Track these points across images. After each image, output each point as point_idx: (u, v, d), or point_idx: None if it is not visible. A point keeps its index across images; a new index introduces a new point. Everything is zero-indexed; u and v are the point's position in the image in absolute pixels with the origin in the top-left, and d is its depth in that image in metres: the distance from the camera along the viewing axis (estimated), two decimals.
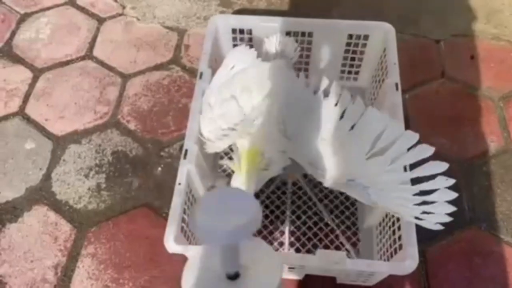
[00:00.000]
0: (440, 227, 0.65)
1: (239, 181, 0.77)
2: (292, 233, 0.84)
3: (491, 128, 0.98)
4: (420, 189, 0.67)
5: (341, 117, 0.74)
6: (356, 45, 0.94)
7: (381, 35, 0.90)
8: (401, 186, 0.68)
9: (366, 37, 0.92)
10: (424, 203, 0.66)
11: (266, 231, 0.84)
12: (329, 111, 0.75)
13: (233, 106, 0.77)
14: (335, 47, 0.95)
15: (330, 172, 0.71)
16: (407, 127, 0.78)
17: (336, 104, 0.75)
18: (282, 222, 0.85)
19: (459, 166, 0.93)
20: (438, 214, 0.65)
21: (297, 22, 0.93)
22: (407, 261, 0.64)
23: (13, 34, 1.17)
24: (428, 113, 1.01)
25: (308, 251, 0.82)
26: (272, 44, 0.90)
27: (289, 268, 0.73)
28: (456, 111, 1.01)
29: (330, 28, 0.92)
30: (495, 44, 1.12)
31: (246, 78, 0.80)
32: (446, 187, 0.66)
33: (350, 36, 0.92)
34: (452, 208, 0.65)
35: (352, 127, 0.73)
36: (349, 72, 0.99)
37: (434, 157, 0.94)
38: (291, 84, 0.79)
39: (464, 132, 0.98)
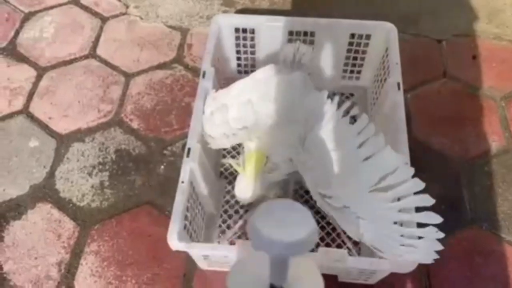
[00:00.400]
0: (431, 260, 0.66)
1: (244, 182, 0.78)
2: None
3: (493, 128, 0.98)
4: (410, 234, 0.68)
5: (360, 145, 0.77)
6: (358, 44, 0.94)
7: (383, 35, 0.90)
8: (394, 226, 0.69)
9: (368, 36, 0.92)
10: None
11: None
12: (350, 136, 0.77)
13: (248, 109, 0.79)
14: (337, 46, 0.95)
15: (330, 192, 0.73)
16: (408, 127, 0.78)
17: (359, 133, 0.77)
18: None
19: (460, 165, 0.93)
20: (423, 252, 0.66)
21: (300, 21, 0.93)
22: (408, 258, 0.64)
23: (17, 33, 1.18)
24: (429, 112, 1.01)
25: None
26: (291, 51, 0.90)
27: None
28: (458, 111, 1.01)
29: (332, 28, 0.92)
30: (497, 44, 1.13)
31: (266, 86, 0.82)
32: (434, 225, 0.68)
33: (352, 36, 0.93)
34: (439, 247, 0.66)
35: (366, 158, 0.75)
36: (351, 72, 1.00)
37: (436, 156, 0.95)
38: (314, 101, 0.81)
39: (466, 132, 0.98)
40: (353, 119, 0.81)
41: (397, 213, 0.70)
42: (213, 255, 0.72)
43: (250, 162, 0.78)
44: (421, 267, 0.80)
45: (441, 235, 0.67)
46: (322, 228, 0.85)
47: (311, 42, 0.94)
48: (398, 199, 0.71)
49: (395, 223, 0.69)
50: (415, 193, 0.70)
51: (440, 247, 0.65)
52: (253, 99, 0.80)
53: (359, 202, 0.71)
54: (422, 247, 0.66)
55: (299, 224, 0.38)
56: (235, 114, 0.80)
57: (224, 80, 0.98)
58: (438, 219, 0.68)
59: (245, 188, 0.80)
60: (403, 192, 0.70)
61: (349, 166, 0.75)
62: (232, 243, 0.83)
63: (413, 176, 0.71)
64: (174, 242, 0.67)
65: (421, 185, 0.70)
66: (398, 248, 0.66)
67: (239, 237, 0.84)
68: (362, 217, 0.70)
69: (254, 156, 0.79)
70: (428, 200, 0.69)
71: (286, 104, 0.80)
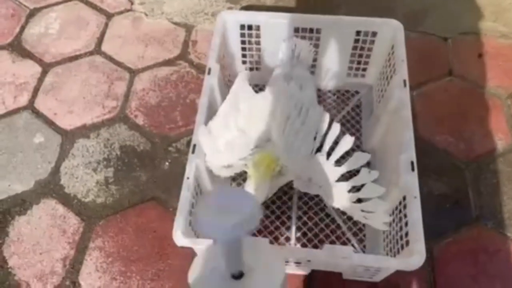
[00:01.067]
0: (386, 227, 0.72)
1: (255, 185, 0.78)
2: (298, 228, 0.85)
3: (499, 126, 0.98)
4: (352, 185, 0.77)
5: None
6: (364, 41, 0.94)
7: (390, 32, 0.90)
8: (336, 183, 0.77)
9: (374, 33, 0.92)
10: (359, 200, 0.76)
11: (273, 226, 0.85)
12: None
13: (241, 140, 0.79)
14: (343, 43, 0.95)
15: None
16: (413, 124, 0.78)
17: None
18: (289, 218, 0.86)
19: (466, 164, 0.93)
20: (379, 214, 0.73)
21: (305, 18, 0.93)
22: (414, 257, 0.64)
23: (22, 29, 1.18)
24: (435, 110, 1.01)
25: (315, 247, 0.82)
26: (289, 48, 0.90)
27: (296, 263, 0.74)
28: (464, 109, 1.01)
29: (338, 25, 0.92)
30: (503, 42, 1.12)
31: (252, 109, 0.82)
32: (372, 181, 0.76)
33: (358, 33, 0.92)
34: (386, 205, 0.72)
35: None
36: (357, 69, 0.99)
37: (441, 154, 0.95)
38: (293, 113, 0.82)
39: (471, 130, 0.98)
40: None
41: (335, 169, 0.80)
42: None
43: (262, 165, 0.78)
44: (426, 265, 0.80)
45: (381, 189, 0.77)
46: (326, 225, 0.85)
47: (317, 39, 0.94)
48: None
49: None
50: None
51: (386, 204, 0.75)
52: (242, 126, 0.80)
53: (310, 169, 0.79)
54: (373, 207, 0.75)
55: (239, 205, 0.38)
56: (228, 146, 0.79)
57: (229, 77, 0.98)
58: (367, 157, 0.80)
59: (257, 191, 0.77)
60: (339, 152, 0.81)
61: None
62: None
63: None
64: (179, 238, 0.67)
65: (350, 141, 0.81)
66: (355, 208, 0.75)
67: None
68: (319, 184, 0.78)
69: (266, 160, 0.78)
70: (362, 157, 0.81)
71: (274, 119, 0.81)
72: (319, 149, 0.81)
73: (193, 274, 0.42)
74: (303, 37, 0.94)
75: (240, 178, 0.89)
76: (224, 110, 0.83)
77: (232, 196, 0.40)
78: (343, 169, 0.78)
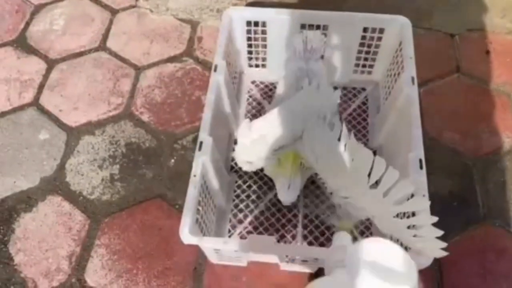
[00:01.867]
0: (444, 253, 0.65)
1: (284, 181, 0.79)
2: (305, 226, 0.84)
3: (506, 124, 0.97)
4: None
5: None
6: (371, 38, 0.93)
7: (397, 29, 0.89)
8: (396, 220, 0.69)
9: (381, 30, 0.91)
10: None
11: (279, 224, 0.84)
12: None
13: (262, 142, 0.80)
14: (350, 40, 0.94)
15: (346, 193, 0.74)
16: (421, 121, 0.77)
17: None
18: (295, 215, 0.85)
19: (473, 162, 0.92)
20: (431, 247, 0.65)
21: (312, 14, 0.92)
22: (422, 256, 0.64)
23: (27, 25, 1.18)
24: (442, 108, 1.00)
25: (321, 245, 0.82)
26: (300, 41, 0.89)
27: (302, 261, 0.73)
28: (471, 106, 1.00)
29: (345, 21, 0.91)
30: (511, 39, 1.11)
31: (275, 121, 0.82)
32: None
33: (365, 29, 0.92)
34: (443, 244, 0.65)
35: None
36: (364, 66, 0.99)
37: (448, 152, 0.94)
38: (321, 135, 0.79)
39: (479, 128, 0.97)
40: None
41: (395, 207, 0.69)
42: (224, 249, 0.72)
43: (288, 163, 0.79)
44: (433, 264, 0.79)
45: (440, 232, 0.65)
46: (327, 228, 0.84)
47: (323, 36, 0.93)
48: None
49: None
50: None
51: (443, 244, 0.65)
52: (265, 133, 0.81)
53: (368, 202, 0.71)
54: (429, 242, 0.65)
55: (402, 278, 0.37)
56: (251, 146, 0.81)
57: (235, 74, 0.97)
58: (427, 203, 0.68)
59: (291, 187, 0.80)
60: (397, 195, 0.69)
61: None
62: (243, 237, 0.83)
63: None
64: (186, 235, 0.67)
65: (411, 187, 0.68)
66: (410, 239, 0.66)
67: (249, 232, 0.84)
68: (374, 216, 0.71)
69: (291, 157, 0.79)
70: (422, 202, 0.69)
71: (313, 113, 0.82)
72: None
73: None
74: (304, 30, 0.93)
75: (246, 175, 0.89)
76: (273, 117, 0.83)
77: (396, 259, 0.40)
78: (401, 209, 0.69)
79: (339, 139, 0.73)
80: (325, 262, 0.69)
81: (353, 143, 0.72)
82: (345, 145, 0.72)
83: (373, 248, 0.40)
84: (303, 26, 0.92)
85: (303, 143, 0.78)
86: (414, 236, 0.66)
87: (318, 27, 0.92)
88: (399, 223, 0.68)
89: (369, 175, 0.68)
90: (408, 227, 0.67)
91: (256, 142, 0.80)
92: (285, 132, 0.80)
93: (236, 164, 0.91)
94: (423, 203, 0.68)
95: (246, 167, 0.84)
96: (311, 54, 0.88)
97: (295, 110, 0.82)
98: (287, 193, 0.80)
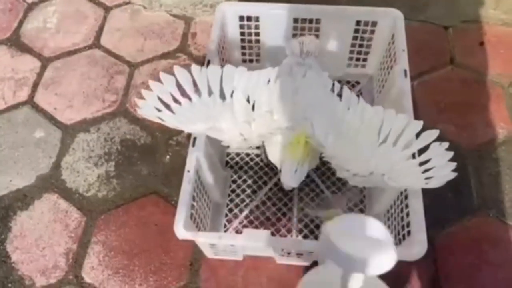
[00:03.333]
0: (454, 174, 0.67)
1: (292, 164, 0.77)
2: (300, 220, 0.84)
3: (500, 115, 0.97)
4: (421, 161, 0.71)
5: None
6: (364, 31, 0.93)
7: (390, 22, 0.89)
8: (407, 163, 0.71)
9: (374, 23, 0.91)
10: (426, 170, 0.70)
11: (274, 218, 0.85)
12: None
13: (267, 118, 0.78)
14: (343, 34, 0.94)
15: (354, 169, 0.74)
16: (415, 114, 0.78)
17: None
18: (290, 209, 0.86)
19: (468, 153, 0.93)
20: (441, 175, 0.68)
21: (305, 8, 0.92)
22: (416, 247, 0.64)
23: (20, 23, 1.18)
24: (437, 100, 1.00)
25: (316, 238, 0.82)
26: (297, 45, 0.89)
27: (298, 254, 0.74)
28: (465, 98, 1.00)
29: (338, 15, 0.91)
30: (505, 30, 1.11)
31: (280, 93, 0.80)
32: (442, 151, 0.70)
33: (358, 23, 0.92)
34: (452, 165, 0.68)
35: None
36: (357, 59, 0.99)
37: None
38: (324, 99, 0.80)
39: (473, 119, 0.97)
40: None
41: (409, 158, 0.72)
42: (219, 244, 0.72)
43: (300, 144, 0.77)
44: (429, 254, 0.80)
45: (450, 154, 0.70)
46: (322, 221, 0.84)
47: (316, 30, 0.93)
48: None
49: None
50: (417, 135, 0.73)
51: (453, 164, 0.68)
52: (272, 107, 0.79)
53: (378, 163, 0.72)
54: (439, 172, 0.68)
55: (376, 243, 0.37)
56: (256, 122, 0.78)
57: None
58: (436, 133, 0.72)
59: (296, 173, 0.77)
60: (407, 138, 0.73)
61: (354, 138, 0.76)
62: (238, 232, 0.83)
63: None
64: (180, 231, 0.67)
65: (418, 125, 0.73)
66: (419, 178, 0.68)
67: (245, 226, 0.84)
68: (385, 173, 0.71)
69: (302, 139, 0.77)
70: (432, 134, 0.72)
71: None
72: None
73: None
74: (303, 28, 0.93)
75: (241, 170, 0.90)
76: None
77: (368, 228, 0.39)
78: (412, 150, 0.72)
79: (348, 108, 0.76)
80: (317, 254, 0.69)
81: (362, 104, 0.76)
82: (354, 110, 0.74)
83: (345, 223, 0.40)
84: (296, 21, 0.92)
85: (311, 121, 0.77)
86: (426, 171, 0.68)
87: (311, 21, 0.92)
88: (412, 165, 0.70)
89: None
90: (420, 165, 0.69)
91: (261, 116, 0.77)
92: (290, 111, 0.78)
93: (231, 159, 0.92)
94: (432, 135, 0.71)
95: (236, 145, 0.80)
96: (307, 56, 0.88)
97: (298, 90, 0.81)
98: (292, 177, 0.78)
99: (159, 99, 0.76)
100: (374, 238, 0.38)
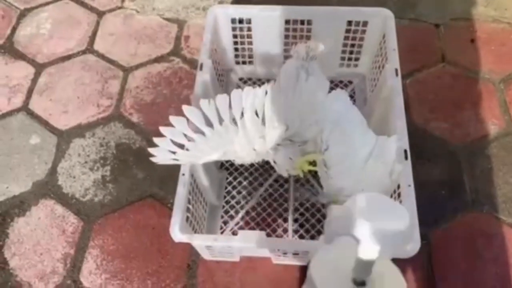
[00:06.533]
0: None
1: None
2: (295, 220, 0.85)
3: (492, 111, 0.98)
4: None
5: None
6: (356, 31, 0.94)
7: (380, 21, 0.90)
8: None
9: (365, 23, 0.92)
10: None
11: (270, 219, 0.85)
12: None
13: (279, 130, 0.79)
14: (334, 34, 0.95)
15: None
16: (408, 112, 0.78)
17: None
18: (286, 210, 0.86)
19: (460, 149, 0.94)
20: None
21: (296, 10, 0.93)
22: (410, 244, 0.65)
23: (13, 30, 1.18)
24: (429, 97, 1.01)
25: (312, 237, 0.83)
26: (303, 50, 0.90)
27: (294, 254, 0.75)
28: (457, 95, 1.01)
29: (329, 16, 0.92)
30: (495, 27, 1.12)
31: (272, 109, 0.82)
32: None
33: (349, 23, 0.92)
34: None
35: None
36: (349, 59, 1.00)
37: (436, 141, 0.95)
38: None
39: (465, 116, 0.98)
40: None
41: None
42: (215, 246, 0.73)
43: (305, 167, 0.81)
44: (423, 251, 0.81)
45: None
46: (323, 216, 0.85)
47: (308, 31, 0.94)
48: None
49: None
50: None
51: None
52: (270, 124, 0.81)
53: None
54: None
55: (396, 218, 0.38)
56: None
57: (222, 72, 0.98)
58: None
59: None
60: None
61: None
62: (234, 233, 0.84)
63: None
64: (176, 234, 0.67)
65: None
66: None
67: (241, 228, 0.85)
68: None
69: (308, 162, 0.81)
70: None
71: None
72: None
73: (316, 268, 0.42)
74: (295, 29, 0.94)
75: (236, 172, 0.90)
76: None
77: (387, 205, 0.40)
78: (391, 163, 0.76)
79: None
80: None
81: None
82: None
83: (364, 199, 0.40)
84: (287, 22, 0.93)
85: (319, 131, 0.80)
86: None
87: (302, 22, 0.93)
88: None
89: None
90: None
91: (274, 129, 0.79)
92: (296, 122, 0.80)
93: (226, 161, 0.92)
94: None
95: (250, 159, 0.82)
96: (311, 60, 0.89)
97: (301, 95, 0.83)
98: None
99: (172, 141, 0.77)
100: (393, 214, 0.39)
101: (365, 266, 0.40)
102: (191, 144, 0.76)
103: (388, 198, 0.42)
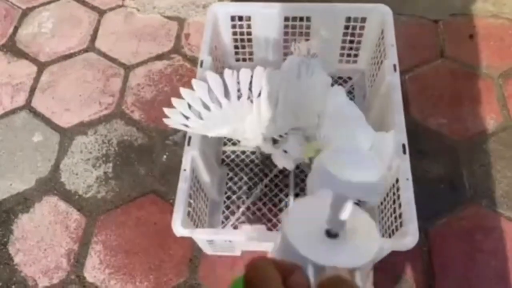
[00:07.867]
0: None
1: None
2: None
3: (491, 106, 0.99)
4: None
5: None
6: (354, 28, 0.94)
7: (379, 17, 0.91)
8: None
9: (363, 19, 0.92)
10: None
11: (271, 214, 0.86)
12: None
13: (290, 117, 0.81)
14: (333, 30, 0.95)
15: None
16: (407, 107, 0.79)
17: None
18: (286, 204, 0.87)
19: (459, 144, 0.94)
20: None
21: (295, 7, 0.93)
22: (408, 237, 0.66)
23: (15, 29, 1.19)
24: (427, 93, 1.02)
25: None
26: (304, 48, 0.91)
27: None
28: (456, 90, 1.02)
29: (328, 12, 0.93)
30: (494, 22, 1.13)
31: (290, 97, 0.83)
32: None
33: (348, 19, 0.93)
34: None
35: None
36: (348, 55, 1.00)
37: (435, 136, 0.96)
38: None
39: (464, 111, 0.99)
40: None
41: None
42: (216, 240, 0.74)
43: (310, 154, 0.81)
44: (422, 244, 0.82)
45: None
46: None
47: (307, 27, 0.95)
48: None
49: None
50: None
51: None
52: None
53: None
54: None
55: (368, 168, 0.38)
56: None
57: (221, 69, 0.99)
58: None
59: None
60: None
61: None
62: (235, 228, 0.85)
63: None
64: (178, 228, 0.68)
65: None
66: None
67: (242, 222, 0.86)
68: None
69: (314, 149, 0.81)
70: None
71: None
72: None
73: (289, 220, 0.42)
74: (294, 26, 0.94)
75: (237, 168, 0.91)
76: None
77: (360, 156, 0.41)
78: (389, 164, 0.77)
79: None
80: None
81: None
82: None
83: (337, 153, 0.41)
84: (287, 19, 0.94)
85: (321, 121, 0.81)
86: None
87: (301, 19, 0.94)
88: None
89: None
90: None
91: (284, 114, 0.80)
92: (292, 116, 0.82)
93: (227, 157, 0.93)
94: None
95: (255, 143, 0.84)
96: (312, 57, 0.90)
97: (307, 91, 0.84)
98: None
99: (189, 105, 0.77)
100: (366, 165, 0.40)
101: (338, 216, 0.41)
102: (206, 113, 0.76)
103: (361, 150, 0.42)
